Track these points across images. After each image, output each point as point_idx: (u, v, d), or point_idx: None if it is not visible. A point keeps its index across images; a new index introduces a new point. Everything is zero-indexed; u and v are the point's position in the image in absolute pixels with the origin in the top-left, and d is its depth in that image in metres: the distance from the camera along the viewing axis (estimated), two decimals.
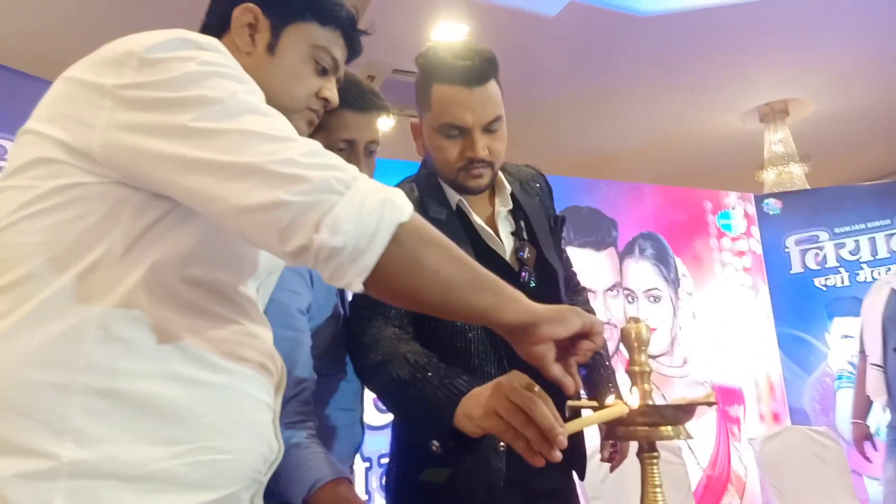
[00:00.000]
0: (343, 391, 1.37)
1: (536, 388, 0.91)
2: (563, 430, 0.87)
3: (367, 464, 2.97)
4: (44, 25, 3.62)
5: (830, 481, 2.68)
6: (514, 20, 3.93)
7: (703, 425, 3.86)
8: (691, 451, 3.76)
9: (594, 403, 1.00)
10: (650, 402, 1.00)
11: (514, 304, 0.82)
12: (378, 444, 2.93)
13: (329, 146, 1.36)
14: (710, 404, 0.99)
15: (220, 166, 0.71)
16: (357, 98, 1.30)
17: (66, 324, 0.71)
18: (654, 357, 3.84)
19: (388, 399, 1.18)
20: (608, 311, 3.73)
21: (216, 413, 0.77)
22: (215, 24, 0.99)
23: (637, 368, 1.03)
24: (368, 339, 1.21)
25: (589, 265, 3.73)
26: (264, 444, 0.85)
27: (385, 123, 5.34)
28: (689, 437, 1.00)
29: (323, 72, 1.00)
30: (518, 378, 0.93)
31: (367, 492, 2.93)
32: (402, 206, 0.75)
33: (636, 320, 1.04)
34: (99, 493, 0.68)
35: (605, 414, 0.94)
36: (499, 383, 0.94)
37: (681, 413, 0.99)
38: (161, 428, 0.72)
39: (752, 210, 4.40)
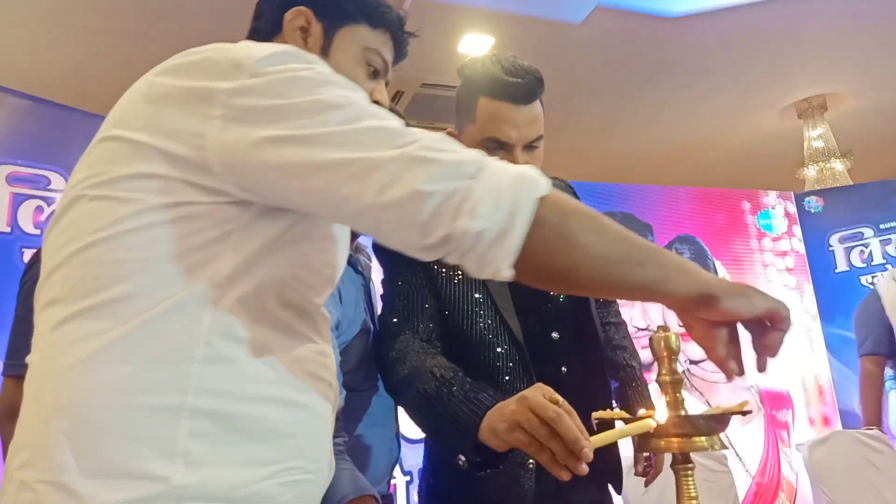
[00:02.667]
0: (375, 407, 1.37)
1: (561, 401, 0.91)
2: (589, 444, 0.86)
3: (408, 477, 2.97)
4: (87, 61, 3.74)
5: (884, 486, 2.58)
6: (540, 29, 3.92)
7: (750, 432, 3.76)
8: (739, 458, 3.67)
9: (622, 415, 0.99)
10: (682, 413, 0.98)
11: (683, 275, 0.75)
12: (418, 457, 2.92)
13: None
14: (743, 413, 0.96)
15: (350, 163, 0.69)
16: None
17: (173, 343, 0.69)
18: (696, 363, 3.76)
19: (414, 414, 1.18)
20: (647, 316, 3.67)
21: (302, 434, 0.77)
22: (266, 29, 0.99)
23: (667, 378, 1.01)
24: (396, 354, 1.21)
25: None
26: (328, 463, 0.85)
27: None
28: (723, 447, 0.98)
29: (374, 74, 1.00)
30: (543, 391, 0.93)
31: None
32: (538, 181, 0.71)
33: (665, 329, 1.03)
34: None
35: (631, 428, 0.92)
36: (523, 396, 0.93)
37: (713, 423, 0.96)
38: (256, 449, 0.72)
39: (792, 209, 4.30)
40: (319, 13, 0.97)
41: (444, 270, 1.30)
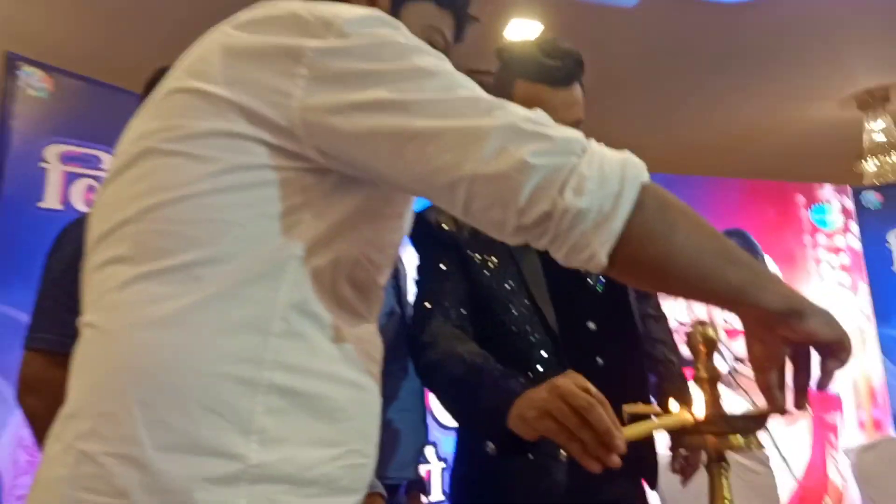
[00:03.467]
0: (403, 391, 1.37)
1: (593, 390, 0.88)
2: (621, 435, 0.84)
3: (444, 463, 2.98)
4: (139, 43, 3.82)
5: None
6: (590, 14, 3.84)
7: (796, 433, 3.66)
8: (784, 460, 3.57)
9: (655, 409, 0.96)
10: (720, 411, 0.95)
11: (773, 283, 0.71)
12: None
13: None
14: (782, 413, 0.93)
15: (450, 132, 0.65)
16: None
17: (251, 314, 0.66)
18: (742, 360, 3.67)
19: (443, 399, 1.17)
20: (692, 312, 3.59)
21: (363, 416, 0.75)
22: None
23: (705, 375, 0.97)
24: (427, 338, 1.20)
25: None
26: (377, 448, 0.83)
27: None
28: (760, 447, 0.94)
29: None
30: (575, 379, 0.91)
31: (444, 492, 2.94)
32: (641, 166, 0.68)
33: (703, 323, 0.99)
34: (277, 499, 0.65)
35: (667, 421, 0.90)
36: (554, 384, 0.91)
37: (750, 422, 0.93)
38: (324, 430, 0.69)
39: (849, 204, 4.14)
40: None
41: (477, 256, 1.29)
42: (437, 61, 0.70)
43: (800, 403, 0.78)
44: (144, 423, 0.62)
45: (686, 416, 0.89)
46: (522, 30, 3.88)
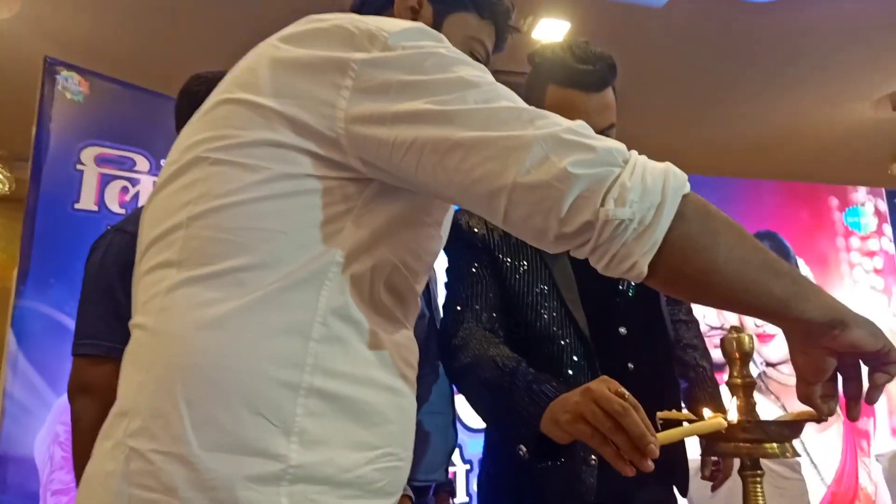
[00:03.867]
0: (433, 394, 1.38)
1: (627, 394, 0.88)
2: (655, 440, 0.84)
3: (468, 466, 2.98)
4: (173, 46, 3.88)
5: None
6: (620, 13, 3.82)
7: (827, 439, 3.60)
8: (815, 466, 3.52)
9: (688, 415, 0.96)
10: (754, 418, 0.94)
11: (816, 295, 0.70)
12: (479, 446, 2.93)
13: None
14: (818, 420, 0.91)
15: (493, 142, 0.66)
16: None
17: (293, 320, 0.68)
18: (773, 365, 3.62)
19: (475, 402, 1.18)
20: (722, 315, 3.55)
21: (399, 420, 0.77)
22: (377, 3, 0.99)
23: (738, 381, 0.97)
24: (458, 342, 1.21)
25: None
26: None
27: None
28: (795, 454, 0.93)
29: None
30: (608, 384, 0.91)
31: (469, 494, 2.94)
32: (683, 177, 0.68)
33: (738, 330, 0.99)
34: (316, 500, 0.66)
35: (700, 427, 0.89)
36: (588, 388, 0.91)
37: (786, 429, 0.92)
38: (362, 433, 0.71)
39: (883, 206, 4.07)
40: None
41: (508, 260, 1.29)
42: (479, 73, 0.71)
43: (853, 414, 0.77)
44: (192, 422, 0.65)
45: (720, 422, 0.88)
46: (551, 30, 3.87)
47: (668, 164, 0.69)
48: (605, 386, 0.90)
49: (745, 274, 0.68)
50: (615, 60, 1.29)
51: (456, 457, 2.95)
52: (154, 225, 0.75)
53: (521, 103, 0.70)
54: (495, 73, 0.76)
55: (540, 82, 1.29)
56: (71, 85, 2.65)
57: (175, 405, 0.66)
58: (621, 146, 0.68)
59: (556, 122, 0.68)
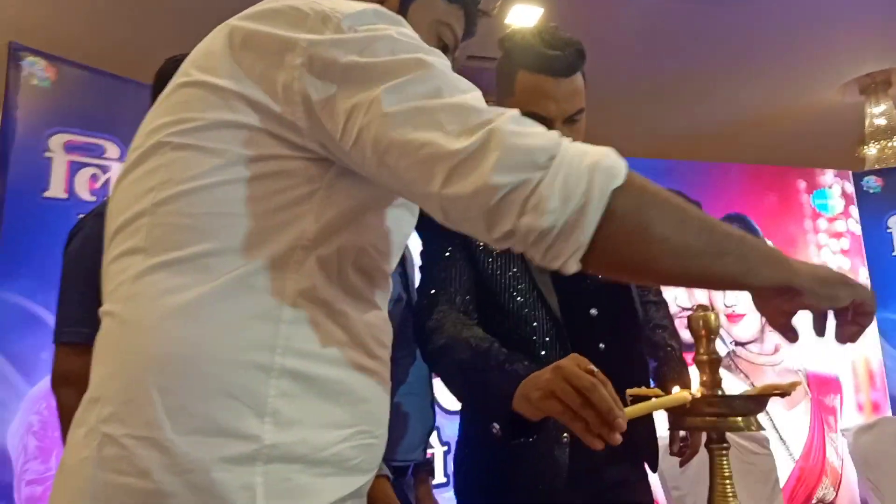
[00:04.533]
0: (411, 376, 1.39)
1: (596, 371, 0.91)
2: (623, 414, 0.87)
3: (446, 447, 3.01)
4: (141, 32, 3.81)
5: None
6: (591, 0, 3.83)
7: (796, 416, 3.69)
8: (783, 442, 3.61)
9: (656, 392, 0.99)
10: (719, 392, 0.98)
11: (767, 266, 0.72)
12: (457, 427, 2.96)
13: None
14: (782, 395, 0.95)
15: (420, 146, 0.66)
16: None
17: (262, 303, 0.69)
18: (742, 344, 3.70)
19: (450, 383, 1.20)
20: (692, 296, 3.61)
21: (372, 398, 0.78)
22: None
23: (705, 357, 1.00)
24: (433, 324, 1.22)
25: None
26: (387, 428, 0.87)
27: None
28: (760, 428, 0.97)
29: (444, 49, 0.97)
30: (578, 361, 0.93)
31: (446, 475, 2.97)
32: (613, 169, 0.66)
33: (705, 308, 1.02)
34: (291, 477, 0.68)
35: (666, 400, 0.92)
36: (558, 366, 0.94)
37: (751, 403, 0.95)
38: (335, 412, 0.72)
39: (850, 188, 4.15)
40: None
41: (481, 244, 1.30)
42: (430, 60, 0.70)
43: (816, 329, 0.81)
44: (164, 407, 0.65)
45: (684, 396, 0.91)
46: (524, 16, 3.87)
47: (599, 157, 0.67)
48: (575, 363, 0.92)
49: (683, 260, 0.69)
50: (585, 46, 1.31)
51: (434, 439, 2.98)
52: (120, 212, 0.75)
53: (463, 97, 0.68)
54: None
55: (510, 67, 1.30)
56: (37, 71, 2.60)
57: (146, 392, 0.66)
58: (549, 143, 0.67)
59: (488, 119, 0.67)
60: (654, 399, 0.93)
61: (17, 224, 2.45)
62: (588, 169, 0.65)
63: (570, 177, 0.64)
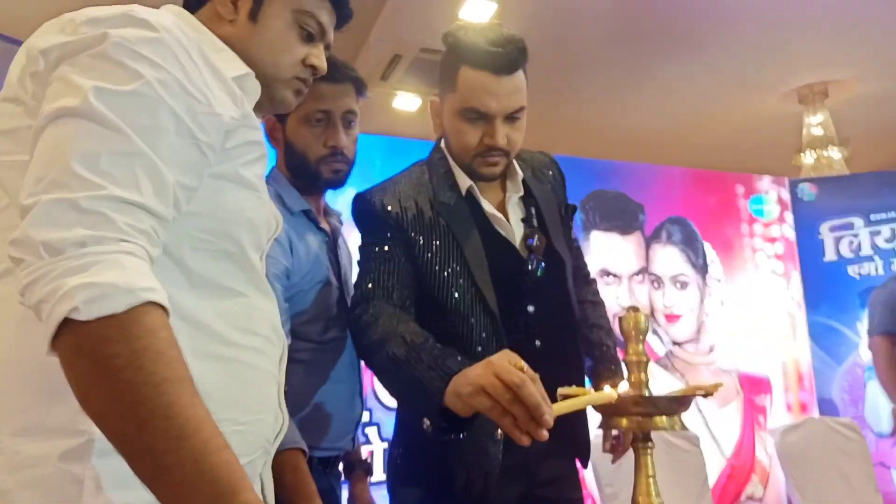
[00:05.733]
0: (338, 363, 1.38)
1: (526, 367, 0.92)
2: (550, 410, 0.88)
3: (386, 444, 3.00)
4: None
5: (853, 474, 2.62)
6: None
7: (727, 414, 3.80)
8: (715, 440, 3.71)
9: (587, 391, 1.00)
10: (646, 393, 0.99)
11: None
12: None
13: (306, 118, 1.38)
14: (705, 395, 0.97)
15: (34, 181, 0.66)
16: (331, 70, 1.34)
17: None
18: (679, 344, 3.79)
19: (384, 377, 1.19)
20: (633, 296, 3.68)
21: (231, 386, 0.78)
22: None
23: (634, 358, 1.02)
24: (368, 318, 1.22)
25: (615, 249, 3.68)
26: (272, 414, 0.87)
27: (411, 103, 5.31)
28: (684, 427, 0.99)
29: (309, 38, 0.97)
30: (509, 357, 0.94)
31: (386, 472, 2.96)
32: (72, 306, 0.61)
33: (635, 309, 1.03)
34: (126, 468, 0.65)
35: (593, 398, 0.94)
36: (489, 361, 0.95)
37: (675, 404, 0.97)
38: None
39: (786, 195, 4.29)
40: None
41: (421, 239, 1.30)
42: (142, 81, 0.71)
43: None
44: None
45: (610, 395, 0.93)
46: (478, 11, 3.88)
47: (74, 290, 0.61)
48: (505, 359, 0.93)
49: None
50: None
51: (374, 435, 2.96)
52: None
53: (90, 144, 0.67)
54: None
55: (452, 63, 1.30)
56: None
57: None
58: (71, 242, 0.63)
59: (62, 185, 0.65)
60: (580, 397, 0.94)
61: None
62: (60, 294, 0.61)
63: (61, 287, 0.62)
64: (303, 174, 1.41)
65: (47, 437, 0.68)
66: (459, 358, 1.05)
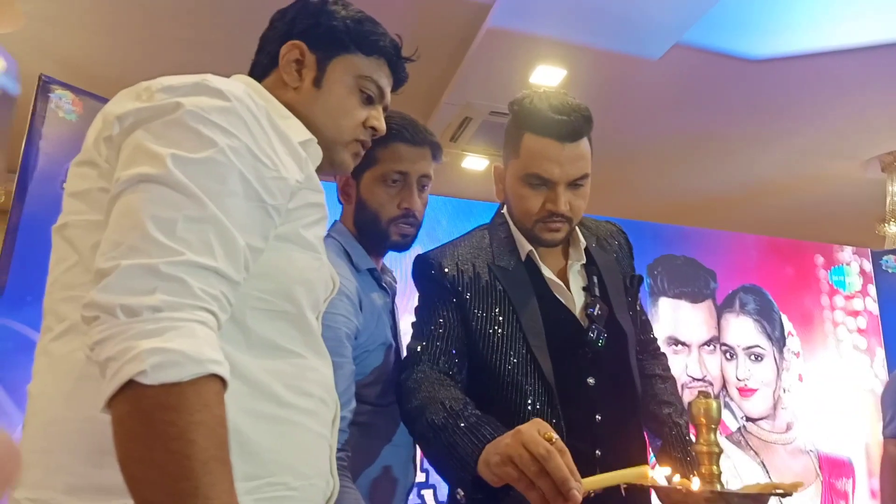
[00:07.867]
0: (399, 427, 1.36)
1: (555, 438, 0.88)
2: (578, 486, 0.84)
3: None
4: (161, 63, 3.90)
5: None
6: (615, 63, 3.87)
7: (805, 499, 3.56)
8: None
9: (612, 479, 0.95)
10: (718, 487, 0.93)
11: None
12: None
13: (383, 177, 1.39)
14: (784, 494, 0.90)
15: (113, 246, 0.68)
16: (412, 133, 1.36)
17: None
18: (753, 420, 3.60)
19: (422, 444, 1.16)
20: (703, 366, 3.54)
21: (284, 449, 0.78)
22: (264, 62, 1.02)
23: (705, 448, 0.95)
24: (412, 384, 1.20)
25: (684, 317, 3.56)
26: (324, 479, 0.86)
27: (479, 164, 5.35)
28: None
29: (368, 100, 1.01)
30: (539, 426, 0.91)
31: None
32: (142, 368, 0.62)
33: (706, 395, 0.98)
34: None
35: (626, 474, 0.89)
36: (518, 431, 0.91)
37: (750, 501, 0.90)
38: (236, 464, 0.70)
39: (868, 267, 4.09)
40: (313, 45, 0.99)
41: (475, 302, 1.28)
42: (199, 154, 0.73)
43: None
44: (49, 469, 0.70)
45: (642, 472, 0.88)
46: (548, 76, 3.91)
47: (141, 356, 0.62)
48: (535, 428, 0.90)
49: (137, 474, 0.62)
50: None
51: (430, 497, 2.90)
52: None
53: (188, 206, 0.70)
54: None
55: (516, 129, 1.30)
56: (64, 104, 2.64)
57: (35, 454, 0.71)
58: (168, 304, 0.65)
59: (118, 261, 0.66)
60: (612, 472, 0.90)
61: (28, 253, 2.46)
62: (128, 357, 0.63)
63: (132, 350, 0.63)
64: (372, 233, 1.42)
65: (99, 496, 0.68)
66: (496, 425, 1.02)
